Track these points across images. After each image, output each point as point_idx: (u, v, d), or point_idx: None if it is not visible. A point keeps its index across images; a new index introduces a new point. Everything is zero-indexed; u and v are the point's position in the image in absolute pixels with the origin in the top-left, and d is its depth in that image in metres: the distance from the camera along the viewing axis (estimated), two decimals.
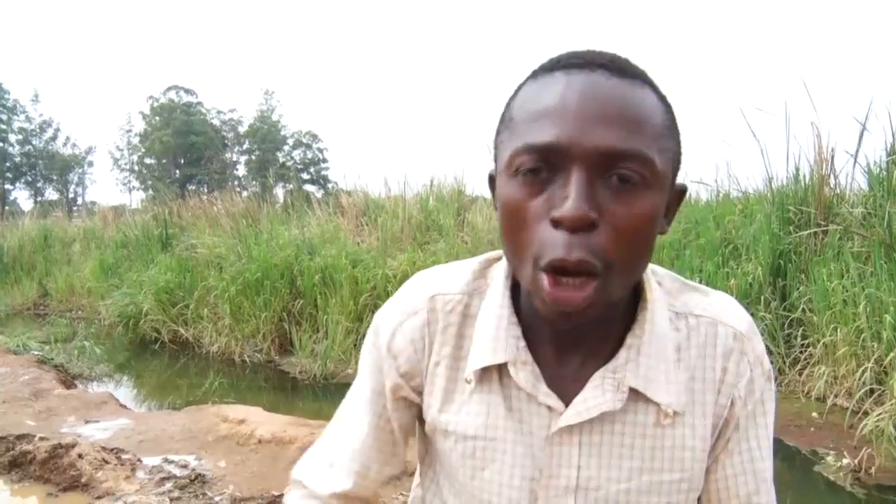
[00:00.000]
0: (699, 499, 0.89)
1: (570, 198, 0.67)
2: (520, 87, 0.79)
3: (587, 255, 0.68)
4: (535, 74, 0.78)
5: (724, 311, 0.87)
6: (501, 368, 0.83)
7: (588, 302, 0.69)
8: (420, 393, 0.92)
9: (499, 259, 0.92)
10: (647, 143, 0.70)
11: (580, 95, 0.70)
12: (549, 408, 0.80)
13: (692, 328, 0.84)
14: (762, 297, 6.14)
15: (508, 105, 0.79)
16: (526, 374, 0.81)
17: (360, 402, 0.97)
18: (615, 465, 0.80)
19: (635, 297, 0.84)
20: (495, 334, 0.82)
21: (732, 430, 0.85)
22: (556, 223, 0.68)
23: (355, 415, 0.98)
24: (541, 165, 0.71)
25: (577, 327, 0.79)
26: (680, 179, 0.80)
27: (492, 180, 0.86)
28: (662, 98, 0.76)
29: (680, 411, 0.80)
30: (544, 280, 0.70)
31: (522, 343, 0.82)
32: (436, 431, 0.90)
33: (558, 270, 0.69)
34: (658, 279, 0.87)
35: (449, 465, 0.90)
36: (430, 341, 0.89)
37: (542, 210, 0.70)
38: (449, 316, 0.88)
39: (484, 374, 0.84)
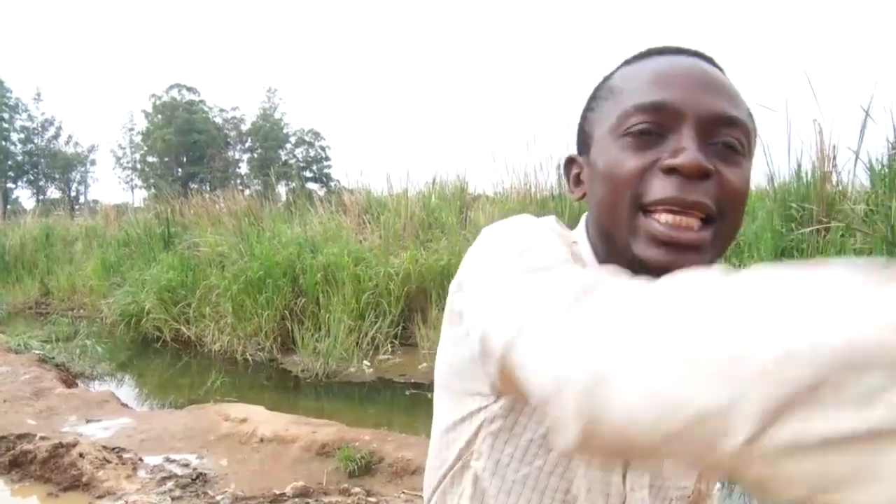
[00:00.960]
0: None
1: (687, 149, 0.69)
2: (612, 72, 0.81)
3: (703, 197, 0.69)
4: (628, 61, 0.80)
5: None
6: None
7: (702, 240, 0.69)
8: None
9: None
10: (745, 119, 0.73)
11: (686, 67, 0.74)
12: None
13: None
14: None
15: (601, 86, 0.81)
16: None
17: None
18: None
19: None
20: None
21: None
22: (671, 171, 0.69)
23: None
24: (650, 127, 0.72)
25: None
26: None
27: (570, 164, 0.86)
28: None
29: None
30: (657, 217, 0.70)
31: None
32: None
33: (673, 211, 0.69)
34: None
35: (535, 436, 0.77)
36: None
37: (650, 163, 0.71)
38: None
39: None
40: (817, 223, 6.18)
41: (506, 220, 0.78)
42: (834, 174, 6.55)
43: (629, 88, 0.75)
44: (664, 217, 0.69)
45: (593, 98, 0.82)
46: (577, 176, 0.84)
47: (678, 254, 0.69)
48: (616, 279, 0.53)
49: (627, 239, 0.72)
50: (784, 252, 6.22)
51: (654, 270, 0.67)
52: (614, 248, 0.76)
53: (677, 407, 0.39)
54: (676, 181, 0.69)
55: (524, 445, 0.76)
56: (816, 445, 0.34)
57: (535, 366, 0.52)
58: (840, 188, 6.57)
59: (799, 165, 6.69)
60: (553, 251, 0.67)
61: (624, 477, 0.77)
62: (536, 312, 0.55)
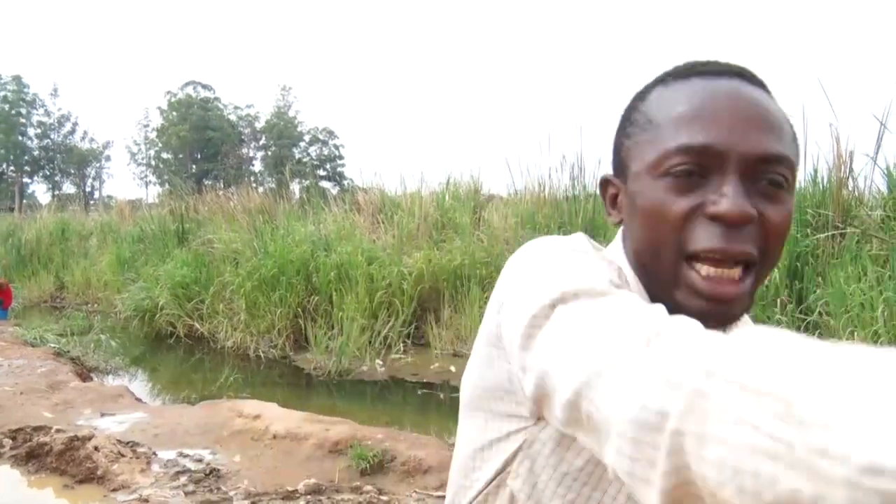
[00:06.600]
0: None
1: (730, 195, 0.68)
2: (647, 92, 0.79)
3: (748, 246, 0.69)
4: (664, 80, 0.78)
5: None
6: None
7: (743, 293, 0.70)
8: None
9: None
10: (789, 149, 0.72)
11: (727, 99, 0.72)
12: None
13: None
14: (778, 300, 6.09)
15: (636, 108, 0.79)
16: None
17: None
18: None
19: None
20: None
21: None
22: (715, 218, 0.69)
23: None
24: (693, 168, 0.71)
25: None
26: None
27: (606, 184, 0.85)
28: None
29: None
30: (699, 269, 0.71)
31: None
32: None
33: (716, 261, 0.70)
34: None
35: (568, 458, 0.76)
36: None
37: (693, 207, 0.71)
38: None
39: None
40: (833, 229, 6.15)
41: (542, 239, 0.78)
42: (850, 180, 6.51)
43: (668, 122, 0.73)
44: (706, 270, 0.70)
45: (629, 121, 0.80)
46: (615, 197, 0.83)
47: (718, 305, 0.71)
48: (679, 324, 0.56)
49: (669, 285, 0.73)
50: (799, 257, 6.19)
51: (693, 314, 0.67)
52: (654, 285, 0.77)
53: (762, 484, 0.40)
54: (720, 229, 0.69)
55: (559, 476, 0.75)
56: None
57: (620, 407, 0.52)
58: (857, 194, 6.53)
59: (815, 170, 6.66)
60: (598, 273, 0.68)
61: None
62: (611, 355, 0.56)
